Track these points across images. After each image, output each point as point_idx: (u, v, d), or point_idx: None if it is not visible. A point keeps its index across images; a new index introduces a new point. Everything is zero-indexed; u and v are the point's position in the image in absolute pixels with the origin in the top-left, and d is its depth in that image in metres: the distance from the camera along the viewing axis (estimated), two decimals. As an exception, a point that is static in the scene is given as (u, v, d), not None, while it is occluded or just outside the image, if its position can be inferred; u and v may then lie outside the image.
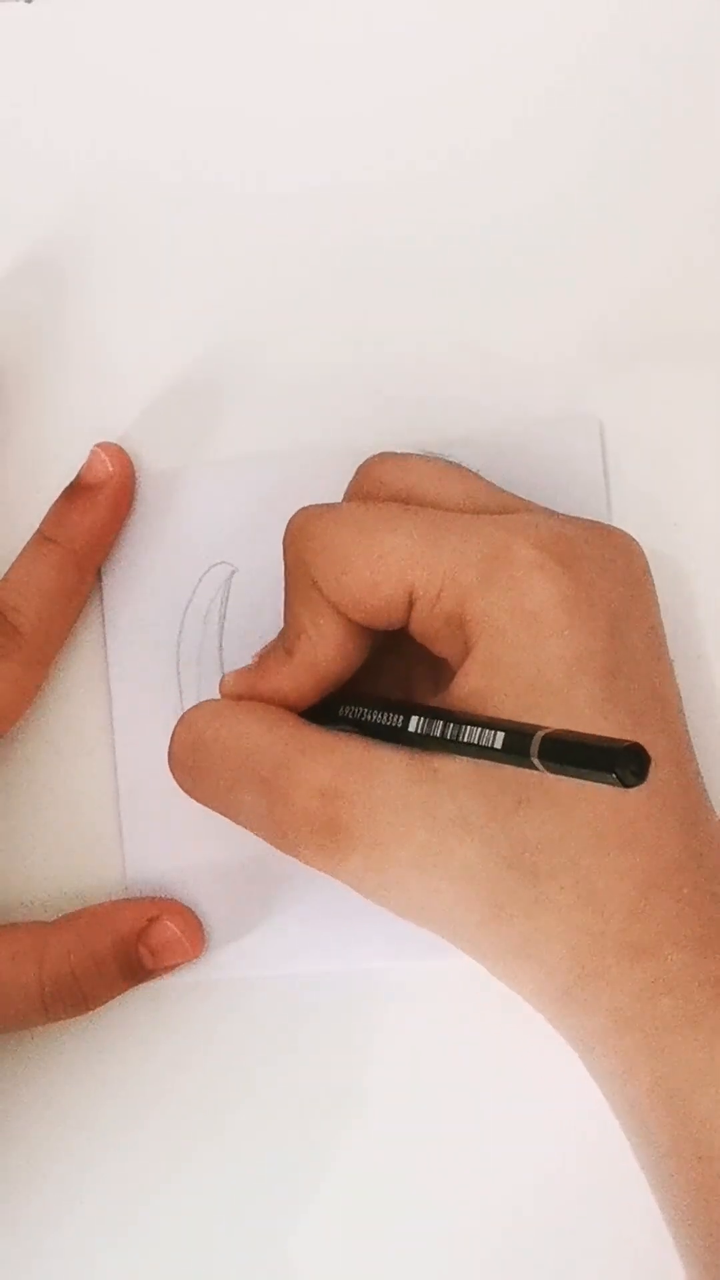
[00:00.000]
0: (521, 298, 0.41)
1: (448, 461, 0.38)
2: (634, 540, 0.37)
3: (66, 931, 0.40)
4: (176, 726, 0.38)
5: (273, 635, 0.41)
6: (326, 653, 0.36)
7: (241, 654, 0.41)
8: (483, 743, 0.32)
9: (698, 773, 0.37)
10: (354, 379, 0.42)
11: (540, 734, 0.30)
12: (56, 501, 0.41)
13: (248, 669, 0.38)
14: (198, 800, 0.38)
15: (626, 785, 0.28)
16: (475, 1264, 0.40)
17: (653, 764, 0.34)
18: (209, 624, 0.42)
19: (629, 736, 0.34)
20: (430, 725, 0.34)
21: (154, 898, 0.41)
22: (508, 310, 0.41)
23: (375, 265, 0.42)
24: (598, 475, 0.40)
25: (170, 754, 0.38)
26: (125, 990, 0.40)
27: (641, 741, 0.34)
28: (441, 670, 0.37)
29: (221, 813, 0.37)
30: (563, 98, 0.41)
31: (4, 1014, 0.39)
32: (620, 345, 0.41)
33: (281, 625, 0.40)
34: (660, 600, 0.38)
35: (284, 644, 0.37)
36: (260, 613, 0.41)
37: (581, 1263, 0.40)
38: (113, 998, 0.40)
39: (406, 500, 0.37)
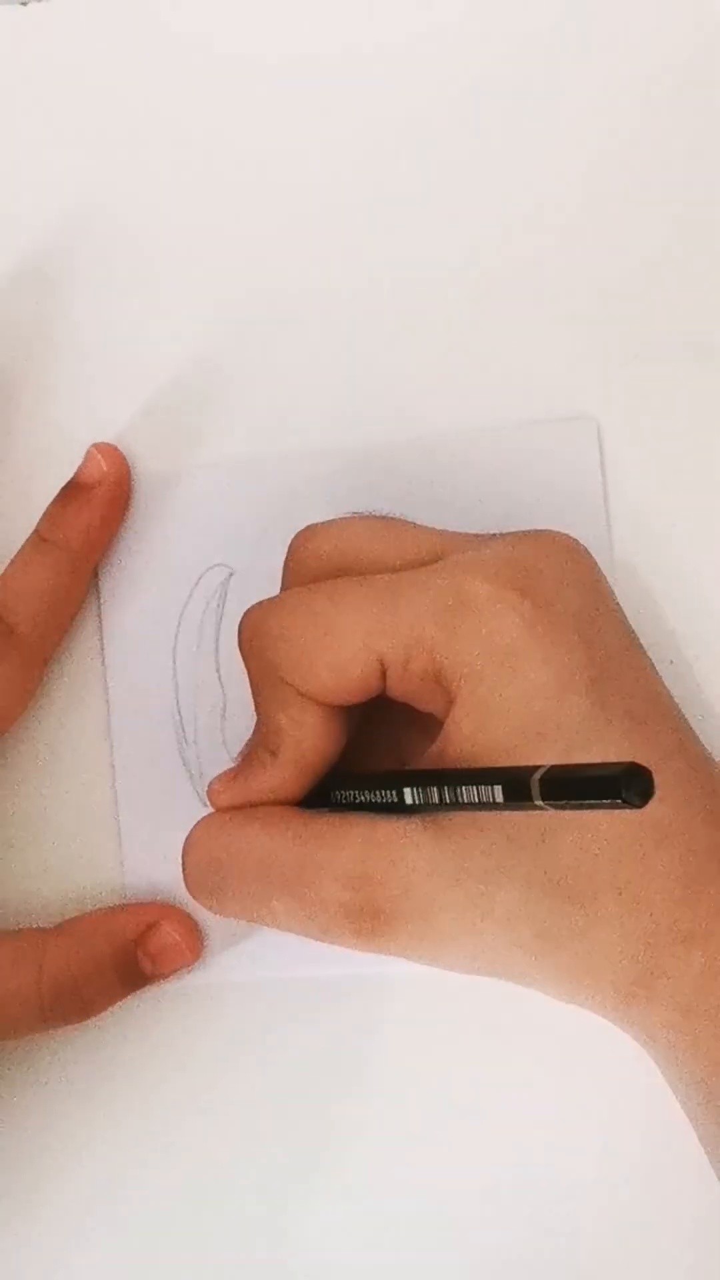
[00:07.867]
0: (520, 299, 0.41)
1: (373, 515, 0.38)
2: (576, 541, 0.37)
3: (66, 937, 0.39)
4: (185, 851, 0.37)
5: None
6: (312, 744, 0.36)
7: (239, 656, 0.41)
8: (484, 799, 0.31)
9: (708, 756, 0.36)
10: (351, 381, 0.42)
11: (537, 775, 0.29)
12: (52, 502, 0.41)
13: (232, 774, 0.37)
14: (227, 916, 0.37)
15: (636, 806, 0.27)
16: (476, 1261, 0.40)
17: (664, 760, 0.34)
18: (206, 626, 0.41)
19: (631, 739, 0.34)
20: (426, 793, 0.33)
21: (153, 903, 0.40)
22: (506, 311, 0.41)
23: (373, 267, 0.42)
24: (595, 477, 0.40)
25: (186, 879, 0.37)
26: (124, 996, 0.40)
27: (645, 739, 0.34)
28: (430, 723, 0.36)
29: (256, 923, 0.36)
30: (561, 99, 0.41)
31: (3, 1021, 0.39)
32: (619, 346, 0.41)
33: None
34: (659, 601, 0.38)
35: (265, 745, 0.36)
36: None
37: (584, 1262, 0.40)
38: (112, 1004, 0.40)
39: (345, 568, 0.36)
